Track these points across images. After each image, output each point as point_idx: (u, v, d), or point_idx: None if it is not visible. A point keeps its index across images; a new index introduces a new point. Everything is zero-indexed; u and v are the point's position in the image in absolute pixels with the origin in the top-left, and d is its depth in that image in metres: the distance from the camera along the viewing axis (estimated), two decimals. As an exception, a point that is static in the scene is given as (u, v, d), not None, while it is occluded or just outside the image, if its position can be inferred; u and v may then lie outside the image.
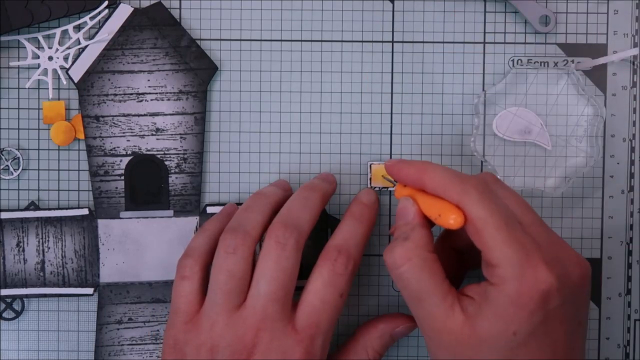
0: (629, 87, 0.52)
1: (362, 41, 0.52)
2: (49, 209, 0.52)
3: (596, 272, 0.52)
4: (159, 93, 0.51)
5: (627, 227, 0.52)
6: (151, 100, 0.51)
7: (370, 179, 0.52)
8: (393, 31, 0.52)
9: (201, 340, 0.44)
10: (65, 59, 0.51)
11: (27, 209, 0.52)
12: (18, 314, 0.52)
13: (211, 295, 0.45)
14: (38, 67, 0.51)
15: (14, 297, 0.52)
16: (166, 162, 0.51)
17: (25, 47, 0.51)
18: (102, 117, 0.51)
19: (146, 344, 0.52)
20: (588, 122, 0.51)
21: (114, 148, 0.51)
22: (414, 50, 0.52)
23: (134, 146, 0.51)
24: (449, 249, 0.48)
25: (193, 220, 0.52)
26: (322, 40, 0.52)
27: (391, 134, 0.52)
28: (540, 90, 0.51)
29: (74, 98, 0.52)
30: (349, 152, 0.52)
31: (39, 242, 0.51)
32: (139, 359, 0.52)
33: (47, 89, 0.51)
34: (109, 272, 0.51)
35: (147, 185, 0.52)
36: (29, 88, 0.52)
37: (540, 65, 0.52)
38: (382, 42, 0.52)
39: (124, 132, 0.51)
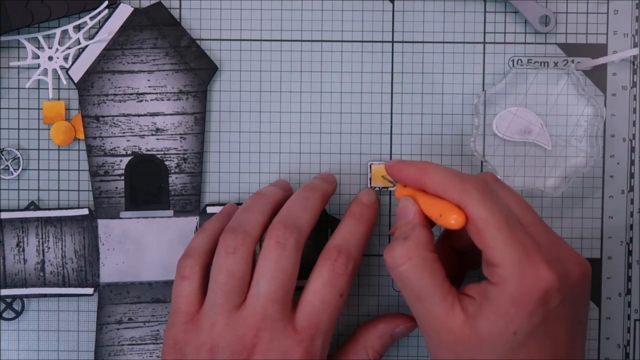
0: (629, 87, 0.52)
1: (362, 41, 0.52)
2: (49, 209, 0.52)
3: (596, 272, 0.52)
4: (159, 93, 0.51)
5: (627, 227, 0.52)
6: (151, 100, 0.51)
7: (370, 179, 0.52)
8: (393, 31, 0.52)
9: (201, 340, 0.44)
10: (65, 59, 0.51)
11: (27, 209, 0.52)
12: (18, 314, 0.52)
13: (211, 295, 0.45)
14: (38, 67, 0.51)
15: (14, 297, 0.52)
16: (166, 162, 0.51)
17: (25, 47, 0.51)
18: (102, 117, 0.51)
19: (146, 344, 0.52)
20: (588, 122, 0.51)
21: (114, 148, 0.51)
22: (414, 50, 0.52)
23: (134, 146, 0.51)
24: (449, 249, 0.48)
25: (193, 220, 0.52)
26: (322, 40, 0.52)
27: (391, 134, 0.52)
28: (540, 90, 0.51)
29: (74, 98, 0.52)
30: (349, 152, 0.52)
31: (39, 242, 0.51)
32: (139, 359, 0.52)
33: (47, 89, 0.51)
34: (109, 272, 0.51)
35: (147, 185, 0.52)
36: (29, 88, 0.52)
37: (540, 65, 0.52)
38: (382, 42, 0.52)
39: (124, 132, 0.51)
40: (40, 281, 0.51)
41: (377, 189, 0.52)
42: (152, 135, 0.51)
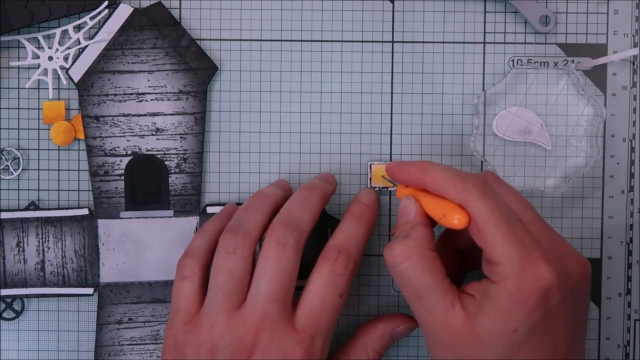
0: (629, 87, 0.52)
1: (362, 41, 0.52)
2: (49, 209, 0.52)
3: (596, 272, 0.52)
4: (159, 93, 0.51)
5: (627, 227, 0.52)
6: (151, 100, 0.51)
7: (370, 179, 0.52)
8: (393, 31, 0.52)
9: (201, 340, 0.44)
10: (65, 59, 0.51)
11: (27, 209, 0.52)
12: (18, 314, 0.52)
13: (211, 295, 0.45)
14: (38, 67, 0.51)
15: (14, 297, 0.52)
16: (166, 162, 0.51)
17: (25, 47, 0.51)
18: (102, 117, 0.51)
19: (146, 344, 0.52)
20: (588, 122, 0.51)
21: (114, 148, 0.51)
22: (414, 50, 0.52)
23: (134, 146, 0.51)
24: (449, 249, 0.48)
25: (193, 220, 0.52)
26: (322, 40, 0.52)
27: (391, 134, 0.52)
28: (540, 90, 0.51)
29: (74, 98, 0.52)
30: (349, 152, 0.52)
31: (39, 242, 0.51)
32: (139, 359, 0.52)
33: (47, 89, 0.51)
34: (109, 272, 0.51)
35: (147, 185, 0.52)
36: (29, 88, 0.52)
37: (540, 65, 0.52)
38: (382, 42, 0.52)
39: (124, 132, 0.51)
40: (40, 281, 0.51)
41: (377, 189, 0.52)
42: (152, 135, 0.51)
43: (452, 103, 0.52)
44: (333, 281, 0.44)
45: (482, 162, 0.52)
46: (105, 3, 0.51)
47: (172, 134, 0.51)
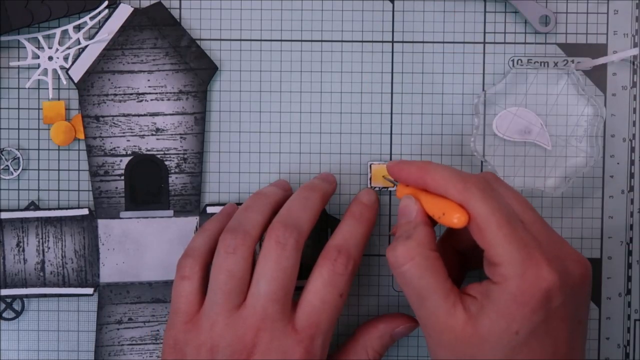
0: (629, 87, 0.52)
1: (362, 41, 0.52)
2: (49, 209, 0.52)
3: (596, 272, 0.52)
4: (159, 93, 0.51)
5: (627, 227, 0.52)
6: (151, 100, 0.51)
7: (370, 179, 0.52)
8: (393, 31, 0.52)
9: (201, 340, 0.44)
10: (65, 59, 0.51)
11: (27, 209, 0.52)
12: (18, 314, 0.52)
13: (211, 295, 0.45)
14: (38, 67, 0.51)
15: (14, 297, 0.52)
16: (166, 162, 0.51)
17: (25, 47, 0.51)
18: (102, 117, 0.51)
19: (146, 344, 0.52)
20: (588, 122, 0.51)
21: (114, 148, 0.51)
22: (414, 50, 0.52)
23: (134, 146, 0.51)
24: (450, 250, 0.48)
25: (193, 220, 0.52)
26: (322, 40, 0.52)
27: (391, 134, 0.52)
28: (540, 90, 0.51)
29: (74, 98, 0.52)
30: (349, 152, 0.52)
31: (39, 242, 0.51)
32: (139, 359, 0.52)
33: (47, 89, 0.51)
34: (109, 272, 0.51)
35: (147, 185, 0.52)
36: (29, 88, 0.52)
37: (540, 65, 0.52)
38: (382, 42, 0.52)
39: (124, 132, 0.51)
40: (40, 281, 0.51)
41: (377, 189, 0.52)
42: (152, 135, 0.51)
43: (452, 103, 0.52)
44: (333, 281, 0.44)
45: (482, 162, 0.52)
46: (105, 3, 0.51)
47: (172, 134, 0.51)
